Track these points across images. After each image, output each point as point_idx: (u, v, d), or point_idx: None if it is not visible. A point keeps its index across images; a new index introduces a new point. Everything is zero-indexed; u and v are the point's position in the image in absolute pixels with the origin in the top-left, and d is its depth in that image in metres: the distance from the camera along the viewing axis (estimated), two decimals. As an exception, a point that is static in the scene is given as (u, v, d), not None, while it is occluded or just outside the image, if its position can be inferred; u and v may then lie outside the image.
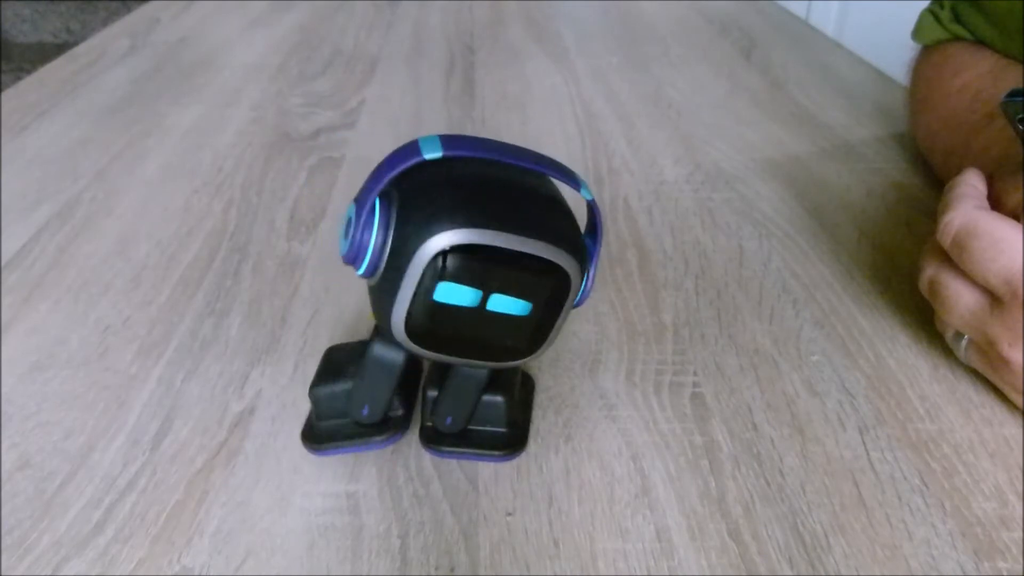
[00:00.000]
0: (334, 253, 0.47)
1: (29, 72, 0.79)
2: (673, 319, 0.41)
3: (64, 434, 0.34)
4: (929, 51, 0.56)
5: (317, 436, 0.32)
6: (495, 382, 0.32)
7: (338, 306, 0.42)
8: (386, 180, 0.26)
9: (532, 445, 0.33)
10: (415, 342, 0.27)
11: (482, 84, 0.74)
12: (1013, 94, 0.33)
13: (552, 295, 0.27)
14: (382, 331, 0.29)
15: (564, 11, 0.98)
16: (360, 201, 0.27)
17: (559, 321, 0.28)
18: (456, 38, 0.88)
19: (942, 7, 0.55)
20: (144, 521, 0.30)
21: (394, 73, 0.77)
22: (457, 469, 0.32)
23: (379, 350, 0.30)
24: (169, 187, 0.55)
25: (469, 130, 0.64)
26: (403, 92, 0.72)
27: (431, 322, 0.27)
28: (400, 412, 0.33)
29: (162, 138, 0.63)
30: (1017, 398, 0.34)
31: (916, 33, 0.57)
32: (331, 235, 0.49)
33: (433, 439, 0.32)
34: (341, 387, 0.31)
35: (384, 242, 0.26)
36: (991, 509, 0.30)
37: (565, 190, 0.30)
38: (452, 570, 0.28)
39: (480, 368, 0.31)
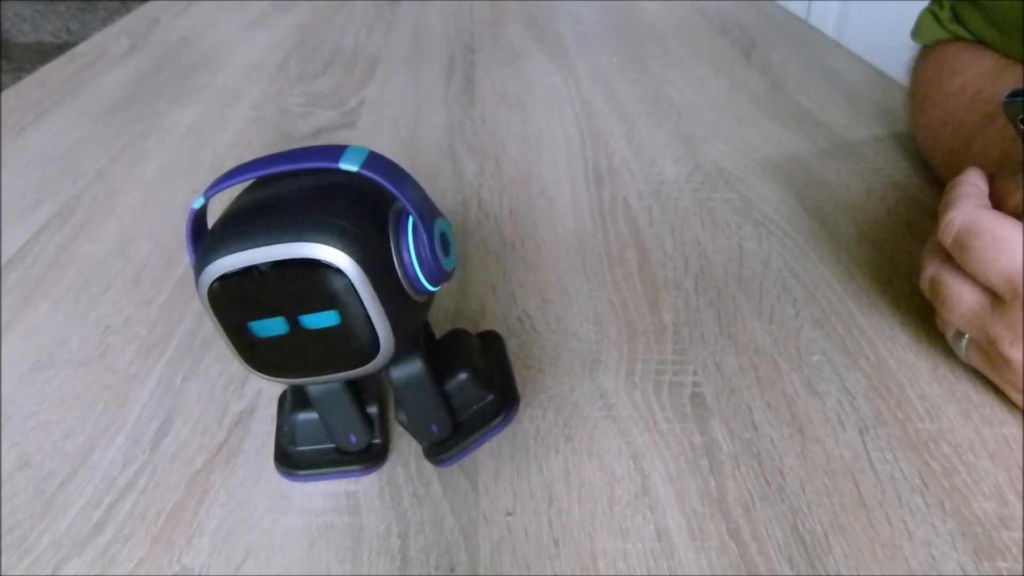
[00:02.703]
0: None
1: (29, 72, 0.79)
2: (673, 319, 0.41)
3: (64, 434, 0.34)
4: (929, 51, 0.56)
5: (293, 462, 0.32)
6: (450, 364, 0.31)
7: (338, 306, 0.42)
8: (190, 250, 0.27)
9: (532, 445, 0.33)
10: (274, 376, 0.28)
11: (482, 84, 0.74)
12: (1014, 94, 0.33)
13: (345, 290, 0.25)
14: None
15: (564, 11, 0.98)
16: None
17: (377, 314, 0.26)
18: (456, 38, 0.88)
19: (942, 7, 0.55)
20: (144, 521, 0.30)
21: (394, 73, 0.77)
22: (457, 469, 0.32)
23: (312, 386, 0.30)
24: (169, 187, 0.55)
25: (469, 130, 0.64)
26: (403, 92, 0.72)
27: (267, 356, 0.27)
28: (378, 440, 0.32)
29: (162, 138, 0.63)
30: (1018, 397, 0.34)
31: (916, 33, 0.57)
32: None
33: (438, 452, 0.32)
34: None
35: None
36: (991, 509, 0.30)
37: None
38: (452, 570, 0.28)
39: (407, 365, 0.29)
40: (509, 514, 0.30)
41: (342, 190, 0.27)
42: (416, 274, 0.27)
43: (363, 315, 0.26)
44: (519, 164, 0.58)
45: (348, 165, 0.25)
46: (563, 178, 0.56)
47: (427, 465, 0.32)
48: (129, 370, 0.38)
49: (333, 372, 0.28)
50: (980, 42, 0.52)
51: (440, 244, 0.27)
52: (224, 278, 0.25)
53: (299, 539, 0.30)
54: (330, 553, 0.29)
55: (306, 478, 0.32)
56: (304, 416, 0.32)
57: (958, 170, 0.37)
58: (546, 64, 0.79)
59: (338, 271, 0.25)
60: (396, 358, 0.28)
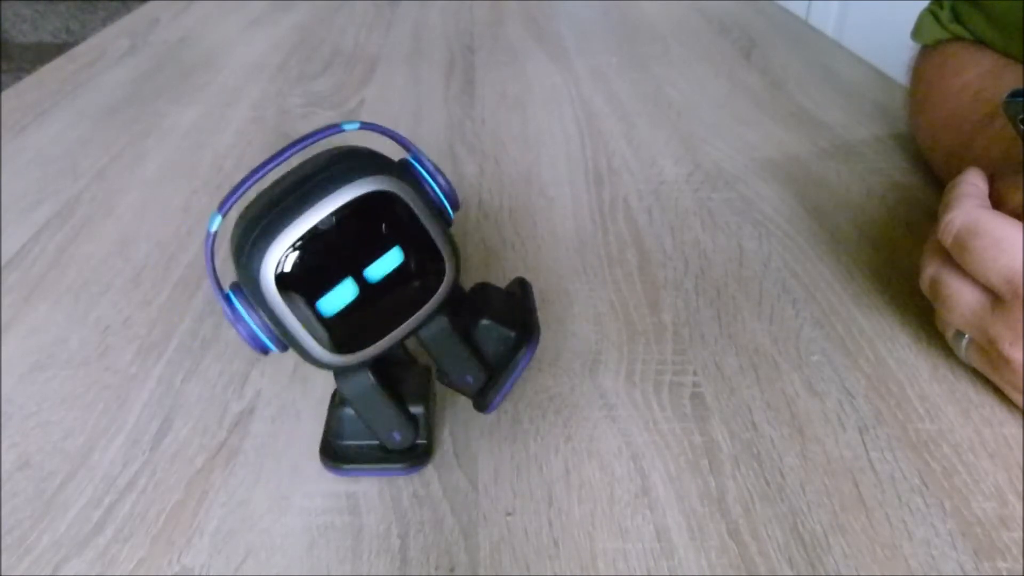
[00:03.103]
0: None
1: (29, 72, 0.79)
2: (673, 319, 0.41)
3: (64, 434, 0.34)
4: (929, 51, 0.56)
5: (338, 455, 0.32)
6: (471, 313, 0.32)
7: (338, 306, 0.42)
8: (212, 275, 0.28)
9: (532, 445, 0.33)
10: (349, 353, 0.28)
11: (482, 84, 0.74)
12: (1014, 94, 0.33)
13: (400, 222, 0.27)
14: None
15: (564, 11, 0.98)
16: (223, 309, 0.28)
17: (436, 237, 0.28)
18: (456, 38, 0.88)
19: (942, 7, 0.55)
20: (144, 521, 0.30)
21: (394, 73, 0.77)
22: (457, 469, 0.32)
23: (348, 386, 0.30)
24: (169, 187, 0.55)
25: (469, 129, 0.64)
26: (403, 92, 0.72)
27: (345, 332, 0.27)
28: (423, 440, 0.33)
29: (162, 138, 0.63)
30: (1017, 397, 0.34)
31: (916, 33, 0.57)
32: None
33: (479, 403, 0.32)
34: None
35: (261, 318, 0.27)
36: (991, 509, 0.30)
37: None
38: (452, 570, 0.28)
39: (434, 322, 0.30)
40: (509, 514, 0.30)
41: (353, 153, 0.28)
42: (443, 199, 0.29)
43: (425, 239, 0.28)
44: (519, 164, 0.58)
45: (349, 127, 0.28)
46: (563, 178, 0.56)
47: (427, 465, 0.32)
48: (129, 370, 0.38)
49: (405, 319, 0.29)
50: (980, 42, 0.52)
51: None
52: (286, 257, 0.25)
53: (299, 539, 0.30)
54: (330, 553, 0.29)
55: (349, 472, 0.32)
56: (352, 410, 0.32)
57: (958, 170, 0.37)
58: (546, 64, 0.79)
59: (395, 196, 0.26)
60: (452, 292, 0.30)
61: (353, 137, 0.29)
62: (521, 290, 0.36)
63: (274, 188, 0.27)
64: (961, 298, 0.34)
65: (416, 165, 0.29)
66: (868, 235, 0.48)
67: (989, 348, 0.33)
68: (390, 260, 0.27)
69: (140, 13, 1.00)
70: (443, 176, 0.29)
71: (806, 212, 0.51)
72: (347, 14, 0.98)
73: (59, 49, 0.97)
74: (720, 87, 0.72)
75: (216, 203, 0.53)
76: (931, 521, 0.30)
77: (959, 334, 0.35)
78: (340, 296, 0.26)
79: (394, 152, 0.30)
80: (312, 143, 0.27)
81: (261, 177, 0.27)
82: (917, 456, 0.32)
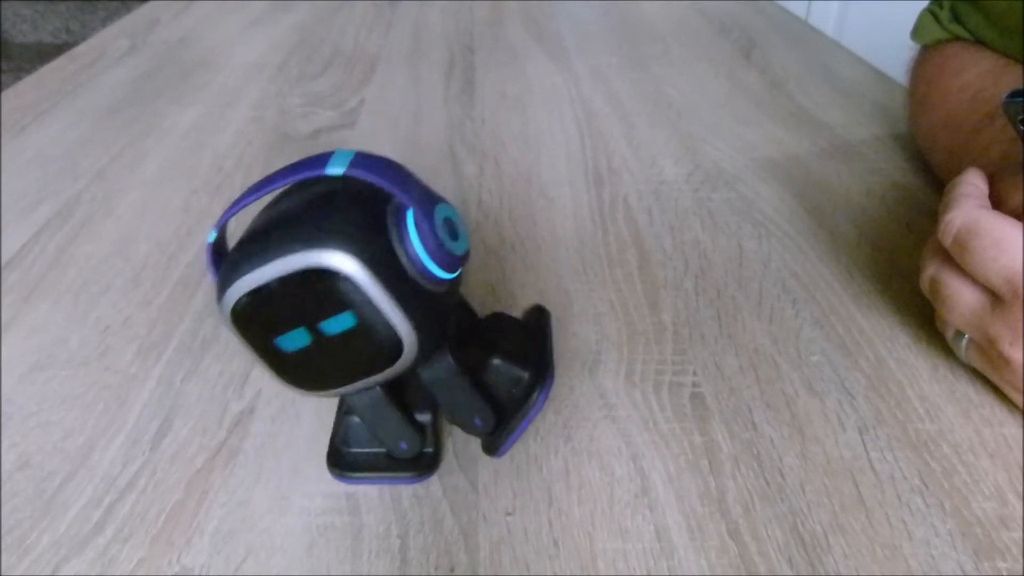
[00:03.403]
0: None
1: (29, 72, 0.79)
2: (673, 319, 0.41)
3: (64, 434, 0.34)
4: (929, 51, 0.56)
5: (346, 463, 0.32)
6: (484, 351, 0.32)
7: (338, 306, 0.42)
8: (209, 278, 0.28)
9: (532, 445, 0.33)
10: (311, 389, 0.28)
11: (482, 84, 0.74)
12: (1014, 94, 0.33)
13: (354, 290, 0.25)
14: None
15: (564, 11, 0.98)
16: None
17: (392, 309, 0.26)
18: (456, 38, 0.88)
19: (941, 7, 0.55)
20: (144, 521, 0.30)
21: (394, 73, 0.77)
22: (457, 470, 0.32)
23: (355, 398, 0.30)
24: (169, 187, 0.55)
25: (469, 129, 0.64)
26: (403, 92, 0.72)
27: (303, 370, 0.27)
28: (430, 449, 0.32)
29: (162, 138, 0.63)
30: (1017, 397, 0.34)
31: (916, 33, 0.57)
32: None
33: (489, 444, 0.32)
34: None
35: None
36: (991, 509, 0.30)
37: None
38: (452, 570, 0.28)
39: (435, 366, 0.29)
40: (509, 514, 0.30)
41: (337, 196, 0.27)
42: (424, 264, 0.26)
43: (377, 312, 0.26)
44: (519, 164, 0.58)
45: (334, 169, 0.26)
46: (563, 178, 0.56)
47: (434, 473, 0.32)
48: (129, 370, 0.38)
49: (364, 377, 0.28)
50: (980, 42, 0.52)
51: (446, 229, 0.27)
52: (240, 301, 0.26)
53: (299, 539, 0.30)
54: (330, 553, 0.29)
55: (357, 480, 0.32)
56: (358, 418, 0.32)
57: (958, 170, 0.37)
58: (546, 64, 0.79)
59: (340, 274, 0.25)
60: (426, 356, 0.28)
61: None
62: (539, 320, 0.36)
63: (263, 214, 0.27)
64: (961, 298, 0.34)
65: (407, 220, 0.26)
66: (868, 235, 0.48)
67: (989, 348, 0.33)
68: (342, 321, 0.26)
69: (140, 13, 1.00)
70: (437, 235, 0.26)
71: (806, 212, 0.51)
72: (347, 14, 0.98)
73: (59, 49, 0.97)
74: (720, 87, 0.72)
75: (216, 203, 0.53)
76: (931, 521, 0.30)
77: (959, 334, 0.35)
78: (294, 340, 0.26)
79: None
80: (296, 179, 0.26)
81: (257, 198, 0.27)
82: (917, 456, 0.32)
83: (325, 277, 0.25)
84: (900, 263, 0.45)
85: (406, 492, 0.31)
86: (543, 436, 0.34)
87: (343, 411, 0.32)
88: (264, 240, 0.26)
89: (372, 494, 0.31)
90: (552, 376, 0.33)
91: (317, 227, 0.25)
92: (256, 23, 0.95)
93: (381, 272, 0.25)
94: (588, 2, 1.01)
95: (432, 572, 0.28)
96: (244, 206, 0.27)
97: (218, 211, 0.52)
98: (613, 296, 0.43)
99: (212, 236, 0.28)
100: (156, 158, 0.60)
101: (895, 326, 0.40)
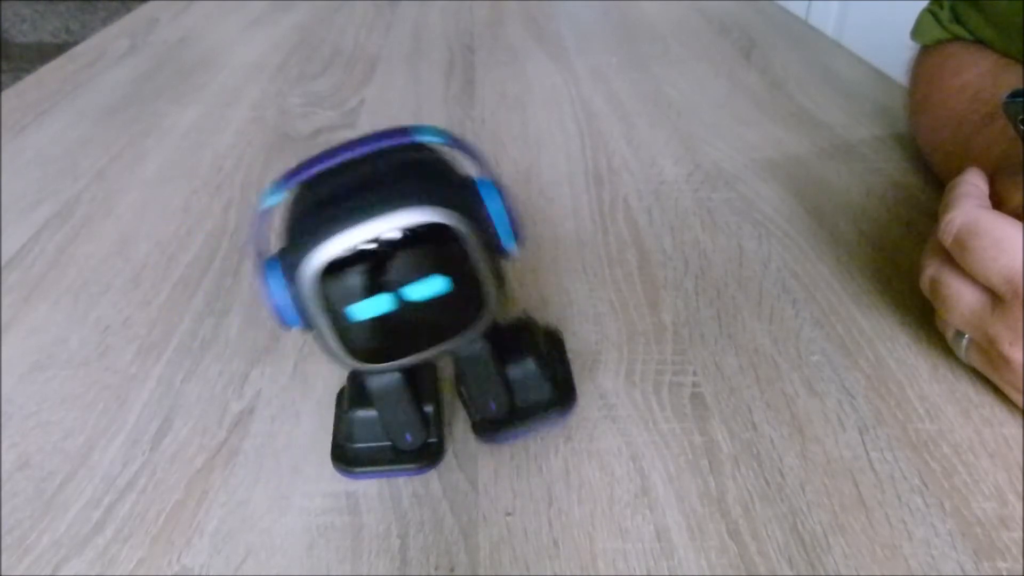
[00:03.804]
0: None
1: (29, 72, 0.79)
2: (673, 319, 0.41)
3: (64, 434, 0.34)
4: (929, 51, 0.56)
5: (351, 459, 0.32)
6: (515, 348, 0.32)
7: (338, 306, 0.42)
8: (255, 243, 0.27)
9: (532, 445, 0.33)
10: (371, 361, 0.28)
11: (482, 84, 0.74)
12: (1014, 94, 0.33)
13: (452, 253, 0.26)
14: None
15: (564, 11, 0.98)
16: (257, 274, 0.28)
17: (485, 272, 0.27)
18: (456, 38, 0.88)
19: (941, 7, 0.55)
20: (144, 521, 0.30)
21: (394, 73, 0.77)
22: (457, 469, 0.32)
23: (373, 381, 0.30)
24: (169, 187, 0.55)
25: (469, 130, 0.64)
26: (403, 92, 0.72)
27: (370, 341, 0.27)
28: (434, 439, 0.32)
29: (162, 138, 0.63)
30: (1017, 397, 0.34)
31: (915, 33, 0.57)
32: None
33: (488, 429, 0.32)
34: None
35: (291, 294, 0.27)
36: (991, 509, 0.30)
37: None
38: (452, 570, 0.28)
39: (472, 344, 0.30)
40: (509, 514, 0.30)
41: (418, 165, 0.27)
42: (502, 236, 0.28)
43: (473, 275, 0.27)
44: (519, 164, 0.58)
45: (423, 137, 0.27)
46: (563, 178, 0.56)
47: (439, 464, 0.32)
48: (129, 370, 0.38)
49: (433, 345, 0.28)
50: (980, 42, 0.52)
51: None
52: (330, 260, 0.25)
53: (299, 539, 0.30)
54: (330, 553, 0.29)
55: (362, 475, 0.32)
56: (362, 413, 0.32)
57: (958, 170, 0.37)
58: (546, 64, 0.79)
59: (453, 232, 0.26)
60: (484, 329, 0.29)
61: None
62: (556, 341, 0.36)
63: (343, 177, 0.27)
64: (961, 298, 0.34)
65: (485, 194, 0.28)
66: (868, 235, 0.48)
67: (989, 348, 0.33)
68: (431, 286, 0.26)
69: (140, 13, 1.00)
70: (513, 210, 0.28)
71: (806, 212, 0.51)
72: (347, 14, 0.98)
73: (59, 49, 0.97)
74: (720, 87, 0.72)
75: (216, 203, 0.53)
76: (931, 521, 0.30)
77: (959, 334, 0.35)
78: (373, 306, 0.26)
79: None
80: (386, 145, 0.27)
81: (334, 164, 0.26)
82: (917, 456, 0.32)
83: (435, 234, 0.25)
84: (900, 263, 0.45)
85: (406, 492, 0.31)
86: (543, 436, 0.34)
87: (343, 408, 0.32)
88: (356, 200, 0.26)
89: (372, 494, 0.31)
90: (575, 403, 0.33)
91: (418, 187, 0.26)
92: (256, 23, 0.95)
93: (478, 235, 0.26)
94: (588, 2, 1.01)
95: (432, 572, 0.28)
96: (319, 170, 0.26)
97: (218, 210, 0.52)
98: (613, 296, 0.43)
99: (277, 198, 0.27)
100: (156, 158, 0.60)
101: (895, 326, 0.40)
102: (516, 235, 0.28)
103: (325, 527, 0.30)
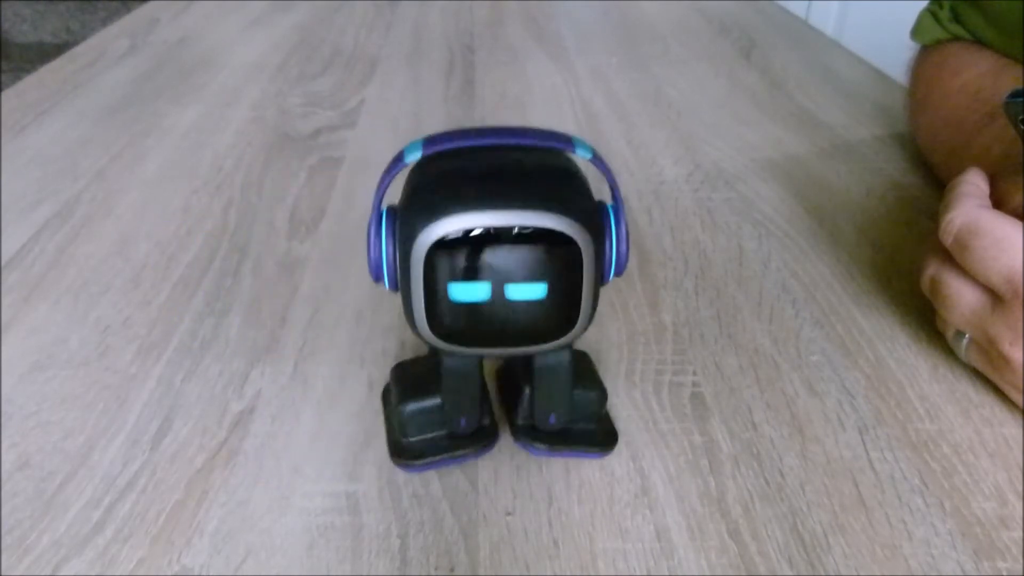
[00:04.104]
0: (334, 253, 0.47)
1: (29, 72, 0.79)
2: (673, 319, 0.41)
3: (64, 434, 0.34)
4: (928, 51, 0.56)
5: (409, 453, 0.32)
6: (583, 376, 0.32)
7: (338, 306, 0.42)
8: (381, 193, 0.27)
9: (532, 445, 0.33)
10: (449, 342, 0.28)
11: (482, 84, 0.74)
12: (1014, 94, 0.33)
13: (564, 267, 0.26)
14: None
15: (564, 11, 0.98)
16: (370, 219, 0.27)
17: (585, 294, 0.27)
18: (456, 38, 0.88)
19: (941, 7, 0.55)
20: (144, 521, 0.30)
21: (394, 73, 0.77)
22: (457, 469, 0.32)
23: (450, 361, 0.30)
24: (169, 187, 0.55)
25: (469, 130, 0.64)
26: (403, 92, 0.72)
27: (455, 322, 0.27)
28: (487, 422, 0.33)
29: (162, 138, 0.63)
30: (1018, 397, 0.34)
31: (915, 33, 0.57)
32: (331, 235, 0.49)
33: (534, 438, 0.32)
34: (430, 403, 0.31)
35: (394, 253, 0.27)
36: (991, 509, 0.30)
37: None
38: (452, 570, 0.28)
39: (556, 354, 0.30)
40: (509, 514, 0.30)
41: (565, 173, 0.28)
42: (611, 263, 0.28)
43: (574, 291, 0.27)
44: (519, 164, 0.58)
45: (583, 152, 0.27)
46: (563, 178, 0.55)
47: (495, 446, 0.32)
48: (129, 370, 0.38)
49: (516, 346, 0.28)
50: (980, 42, 0.52)
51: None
52: (452, 234, 0.25)
53: (299, 539, 0.30)
54: (330, 553, 0.29)
55: (423, 467, 0.32)
56: (413, 406, 0.31)
57: (958, 170, 0.37)
58: (546, 64, 0.79)
59: (575, 246, 0.26)
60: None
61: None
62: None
63: (488, 158, 0.27)
64: (961, 298, 0.34)
65: (612, 220, 0.28)
66: (868, 235, 0.48)
67: (989, 348, 0.33)
68: (532, 291, 0.26)
69: (140, 13, 1.00)
70: (628, 241, 0.28)
71: (806, 212, 0.51)
72: (347, 14, 0.98)
73: (59, 49, 0.97)
74: (720, 87, 0.72)
75: (216, 203, 0.53)
76: (931, 521, 0.30)
77: (959, 334, 0.35)
78: (472, 291, 0.26)
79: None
80: (540, 144, 0.27)
81: (478, 145, 0.26)
82: (917, 456, 0.32)
83: (556, 242, 0.26)
84: (900, 263, 0.45)
85: (406, 492, 0.31)
86: (543, 436, 0.34)
87: (394, 404, 0.32)
88: (495, 185, 0.26)
89: (372, 494, 0.31)
90: (616, 445, 0.33)
91: (560, 193, 0.26)
92: (256, 23, 0.95)
93: (594, 256, 0.26)
94: (588, 2, 1.01)
95: (432, 572, 0.28)
96: (470, 144, 0.26)
97: (218, 210, 0.52)
98: (613, 296, 0.43)
99: (417, 153, 0.26)
100: (156, 158, 0.60)
101: (895, 326, 0.40)
102: (621, 267, 0.28)
103: (325, 527, 0.30)
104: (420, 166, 0.27)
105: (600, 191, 0.29)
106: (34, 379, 0.38)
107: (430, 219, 0.25)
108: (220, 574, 0.28)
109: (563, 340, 0.28)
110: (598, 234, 0.27)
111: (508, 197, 0.25)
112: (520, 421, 0.32)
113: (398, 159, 0.27)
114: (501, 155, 0.27)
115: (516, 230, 0.25)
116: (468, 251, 0.26)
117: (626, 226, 0.28)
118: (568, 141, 0.27)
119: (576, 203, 0.26)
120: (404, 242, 0.26)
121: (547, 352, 0.29)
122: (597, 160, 0.27)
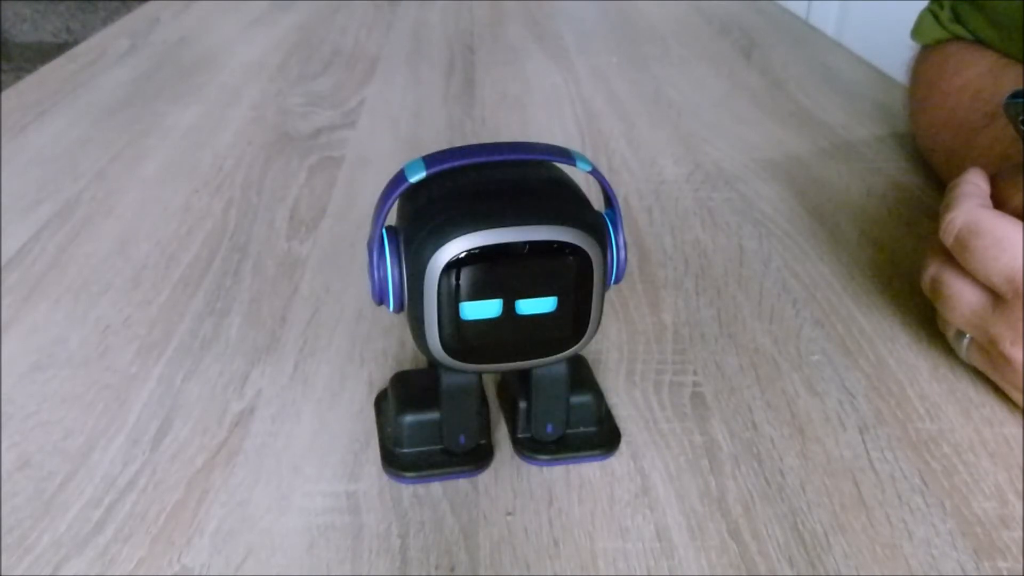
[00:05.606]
0: (334, 253, 0.47)
1: (29, 72, 0.79)
2: (673, 319, 0.41)
3: (64, 434, 0.34)
4: (929, 51, 0.56)
5: (403, 464, 0.32)
6: (578, 382, 0.32)
7: (338, 306, 0.42)
8: (384, 214, 0.27)
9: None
10: (460, 360, 0.28)
11: (482, 84, 0.74)
12: (1015, 95, 0.33)
13: (574, 278, 0.27)
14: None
15: (564, 11, 0.98)
16: (369, 241, 0.27)
17: (594, 303, 0.28)
18: (456, 38, 0.88)
19: (942, 7, 0.55)
20: (144, 521, 0.30)
21: (394, 73, 0.77)
22: (457, 469, 0.32)
23: (450, 378, 0.30)
24: (169, 187, 0.55)
25: (469, 130, 0.64)
26: (403, 92, 0.72)
27: (467, 339, 0.27)
28: (484, 441, 0.32)
29: (162, 138, 0.63)
30: (1018, 397, 0.34)
31: (916, 33, 0.57)
32: (331, 235, 0.49)
33: (533, 449, 0.32)
34: (429, 417, 0.31)
35: (400, 274, 0.27)
36: (991, 509, 0.30)
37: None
38: (452, 570, 0.28)
39: (554, 365, 0.30)
40: (509, 514, 0.30)
41: (561, 184, 0.28)
42: (613, 272, 0.29)
43: (583, 301, 0.27)
44: (519, 164, 0.58)
45: (583, 166, 0.27)
46: (563, 178, 0.55)
47: (490, 466, 0.32)
48: (129, 370, 0.38)
49: (525, 359, 0.29)
50: (980, 42, 0.52)
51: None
52: (463, 253, 0.25)
53: (299, 539, 0.30)
54: (330, 553, 0.29)
55: (415, 480, 0.32)
56: (411, 418, 0.31)
57: (959, 170, 0.37)
58: (546, 64, 0.79)
59: (585, 257, 0.26)
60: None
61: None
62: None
63: (491, 174, 0.27)
64: (962, 298, 0.34)
65: (612, 228, 0.29)
66: (868, 235, 0.48)
67: (990, 347, 0.33)
68: (542, 304, 0.27)
69: (140, 13, 1.00)
70: (626, 248, 0.29)
71: (806, 212, 0.51)
72: (347, 14, 0.98)
73: (59, 49, 0.97)
74: (720, 87, 0.72)
75: (216, 203, 0.53)
76: (931, 521, 0.30)
77: (960, 334, 0.35)
78: (484, 308, 0.26)
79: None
80: (541, 158, 0.27)
81: (481, 161, 0.26)
82: (917, 456, 0.32)
83: (568, 255, 0.26)
84: (900, 263, 0.45)
85: (406, 492, 0.31)
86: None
87: (392, 412, 0.32)
88: (502, 203, 0.26)
89: (372, 494, 0.31)
90: (618, 446, 0.33)
91: (564, 207, 0.27)
92: (256, 23, 0.95)
93: (602, 267, 0.27)
94: (588, 2, 1.01)
95: (432, 572, 0.28)
96: (472, 162, 0.26)
97: (218, 210, 0.52)
98: (613, 296, 0.43)
99: (420, 174, 0.26)
100: (156, 158, 0.60)
101: (895, 326, 0.40)
102: (621, 273, 0.29)
103: (325, 527, 0.30)
104: (417, 186, 0.27)
105: (592, 197, 0.29)
106: (34, 379, 0.38)
107: (441, 240, 0.25)
108: (220, 574, 0.28)
109: (573, 350, 0.29)
110: (602, 241, 0.27)
111: (518, 213, 0.26)
112: (519, 434, 0.33)
113: (399, 179, 0.27)
114: (493, 170, 0.27)
115: (519, 248, 0.25)
116: (479, 269, 0.26)
117: (623, 236, 0.29)
118: (567, 155, 0.27)
119: (581, 214, 0.27)
120: (414, 264, 0.26)
121: (549, 364, 0.30)
122: (596, 173, 0.28)
